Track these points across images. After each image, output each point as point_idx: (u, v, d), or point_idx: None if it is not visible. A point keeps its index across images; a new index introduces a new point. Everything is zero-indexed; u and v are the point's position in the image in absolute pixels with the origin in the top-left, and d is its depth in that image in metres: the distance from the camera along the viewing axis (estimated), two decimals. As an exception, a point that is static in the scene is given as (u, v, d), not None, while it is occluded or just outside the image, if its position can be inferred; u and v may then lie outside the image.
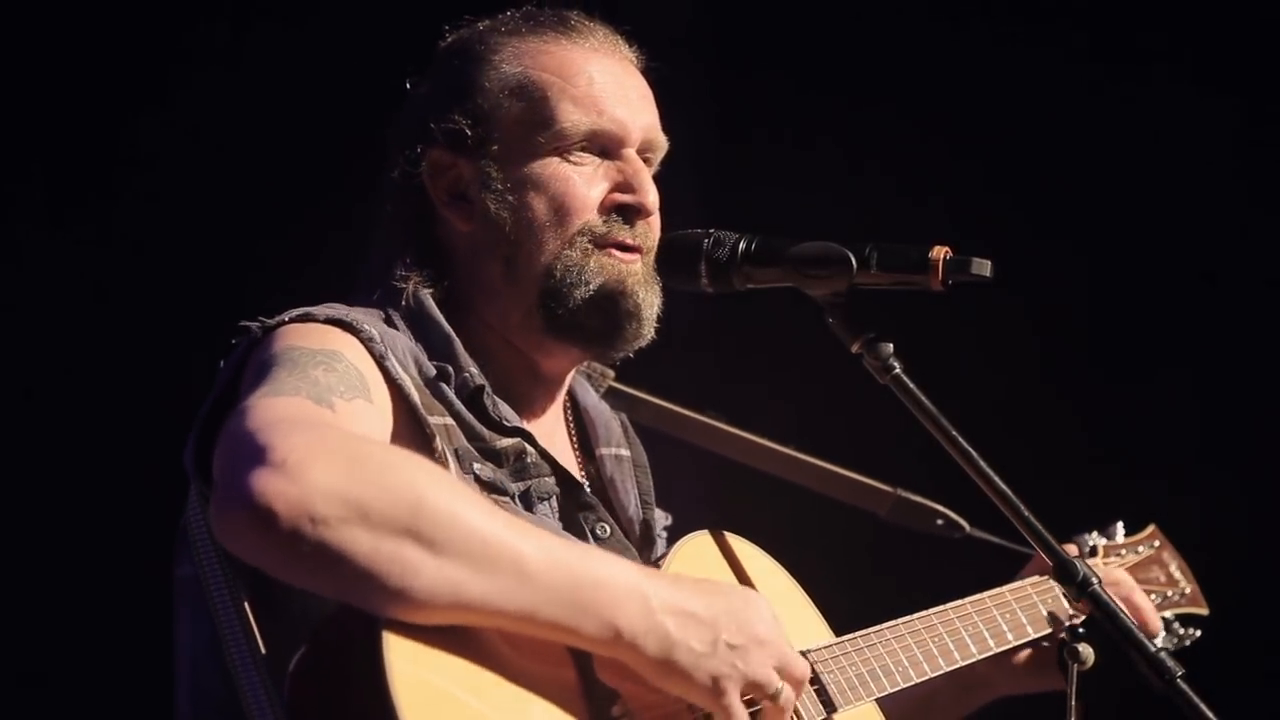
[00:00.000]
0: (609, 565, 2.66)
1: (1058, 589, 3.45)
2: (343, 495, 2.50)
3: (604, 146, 3.09)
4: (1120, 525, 3.82)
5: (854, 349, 3.01)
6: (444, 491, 2.57)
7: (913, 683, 3.15)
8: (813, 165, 5.09)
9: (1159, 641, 3.67)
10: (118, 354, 4.66)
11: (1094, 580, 2.91)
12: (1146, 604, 3.62)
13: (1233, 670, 3.99)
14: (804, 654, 2.90)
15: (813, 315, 3.06)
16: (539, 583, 2.58)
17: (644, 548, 3.14)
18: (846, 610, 3.15)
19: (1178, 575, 3.84)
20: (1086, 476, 5.03)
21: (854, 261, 3.01)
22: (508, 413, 3.02)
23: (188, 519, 2.83)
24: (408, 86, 3.18)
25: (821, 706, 2.98)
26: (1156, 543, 3.85)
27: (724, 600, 2.73)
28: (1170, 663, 2.84)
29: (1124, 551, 3.78)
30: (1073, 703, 2.98)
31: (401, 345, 2.93)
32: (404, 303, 3.03)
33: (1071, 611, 3.43)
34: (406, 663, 2.54)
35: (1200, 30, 5.14)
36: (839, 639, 3.11)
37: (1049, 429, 5.07)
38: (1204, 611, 3.83)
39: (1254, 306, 5.16)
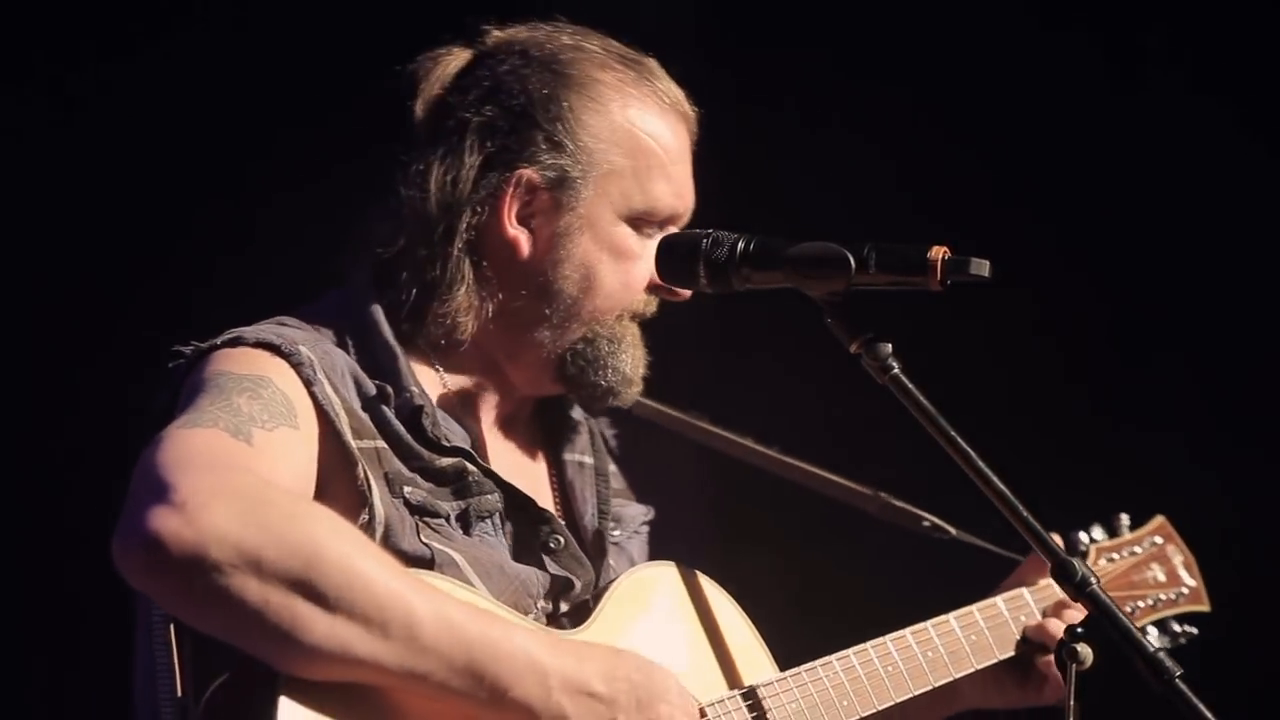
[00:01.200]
0: (511, 637, 2.65)
1: (1031, 603, 3.46)
2: (236, 542, 2.51)
3: (667, 223, 3.12)
4: (1125, 517, 3.79)
5: (853, 349, 3.01)
6: (343, 546, 2.57)
7: (858, 717, 3.14)
8: (813, 165, 5.09)
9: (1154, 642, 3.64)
10: (67, 365, 4.64)
11: (1093, 580, 2.91)
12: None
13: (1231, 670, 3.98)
14: (753, 689, 2.95)
15: (802, 313, 3.07)
16: (432, 648, 2.58)
17: (596, 558, 3.11)
18: (848, 614, 3.15)
19: (1181, 572, 3.81)
20: (1086, 476, 5.03)
21: (852, 262, 3.00)
22: (449, 431, 3.00)
23: None
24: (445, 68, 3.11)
25: None
26: (1159, 539, 3.82)
27: (625, 677, 2.74)
28: (1169, 663, 2.85)
29: (1121, 552, 3.75)
30: (1072, 702, 2.97)
31: (341, 364, 2.91)
32: (358, 316, 3.01)
33: (1040, 623, 3.43)
34: None
35: (1202, 32, 5.14)
36: (786, 673, 3.11)
37: (1049, 429, 5.07)
38: (1205, 609, 3.81)
39: (1255, 305, 5.16)
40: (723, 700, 3.03)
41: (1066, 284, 5.14)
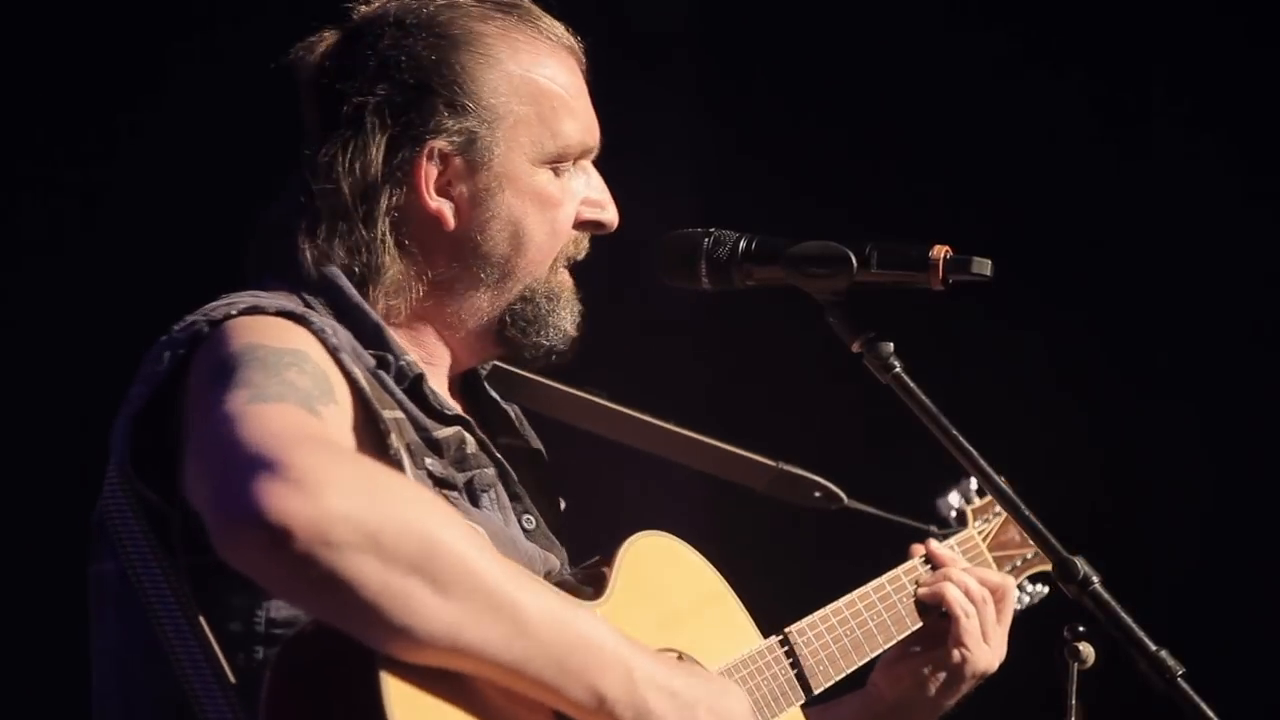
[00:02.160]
0: (597, 629, 2.62)
1: (909, 589, 3.41)
2: (360, 522, 2.44)
3: (580, 158, 3.08)
4: (974, 481, 3.69)
5: (854, 348, 3.01)
6: (454, 530, 2.52)
7: (832, 681, 3.18)
8: (812, 165, 5.09)
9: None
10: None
11: (1094, 580, 2.91)
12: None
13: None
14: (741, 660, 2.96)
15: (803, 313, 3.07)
16: (534, 637, 2.55)
17: (561, 537, 3.09)
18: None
19: (1020, 534, 3.77)
20: (1086, 476, 5.04)
21: (854, 260, 3.00)
22: (446, 400, 2.97)
23: (106, 511, 2.74)
24: (323, 53, 3.02)
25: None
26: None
27: (704, 685, 2.71)
28: (1171, 661, 2.84)
29: (988, 515, 3.67)
30: (1073, 702, 2.97)
31: (344, 334, 2.86)
32: (324, 289, 2.93)
33: (931, 588, 3.38)
34: (405, 711, 2.50)
35: (1196, 60, 5.16)
36: (764, 641, 3.13)
37: (1048, 429, 5.07)
38: (1048, 567, 3.73)
39: (1254, 307, 5.16)
40: (749, 657, 3.06)
41: (1067, 283, 5.15)
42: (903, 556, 3.48)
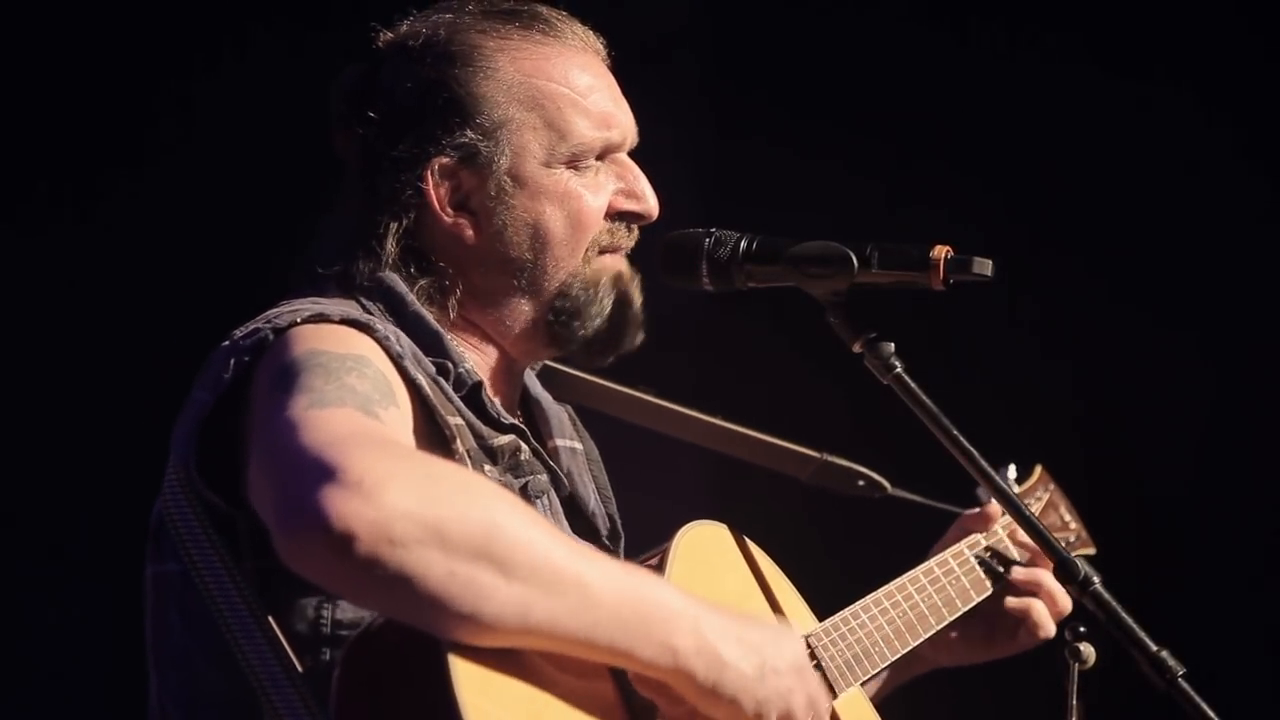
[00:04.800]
0: (660, 589, 2.64)
1: (972, 561, 3.44)
2: (420, 517, 2.47)
3: (605, 153, 3.09)
4: (1012, 469, 3.72)
5: (855, 348, 3.02)
6: (515, 514, 2.55)
7: (889, 661, 3.19)
8: (813, 164, 5.09)
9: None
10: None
11: (1095, 579, 2.91)
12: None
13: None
14: (804, 638, 2.93)
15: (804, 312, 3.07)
16: (602, 605, 2.57)
17: (614, 542, 3.13)
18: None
19: (1068, 517, 3.80)
20: (1086, 475, 5.03)
21: (855, 260, 3.01)
22: (502, 409, 2.99)
23: (167, 513, 2.77)
24: (352, 81, 3.08)
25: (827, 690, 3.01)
26: (1051, 485, 3.80)
27: (768, 633, 2.73)
28: (1172, 661, 2.85)
29: (1029, 500, 3.72)
30: (1073, 702, 2.98)
31: (405, 342, 2.89)
32: (384, 296, 2.97)
33: (1027, 572, 3.45)
34: (474, 693, 2.52)
35: (1198, 42, 5.15)
36: (825, 622, 3.14)
37: (1049, 428, 5.07)
38: (1092, 551, 3.79)
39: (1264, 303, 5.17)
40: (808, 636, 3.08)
41: (1067, 282, 5.15)
42: (931, 542, 3.53)
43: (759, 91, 5.17)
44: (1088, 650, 3.01)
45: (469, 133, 3.01)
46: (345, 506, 2.44)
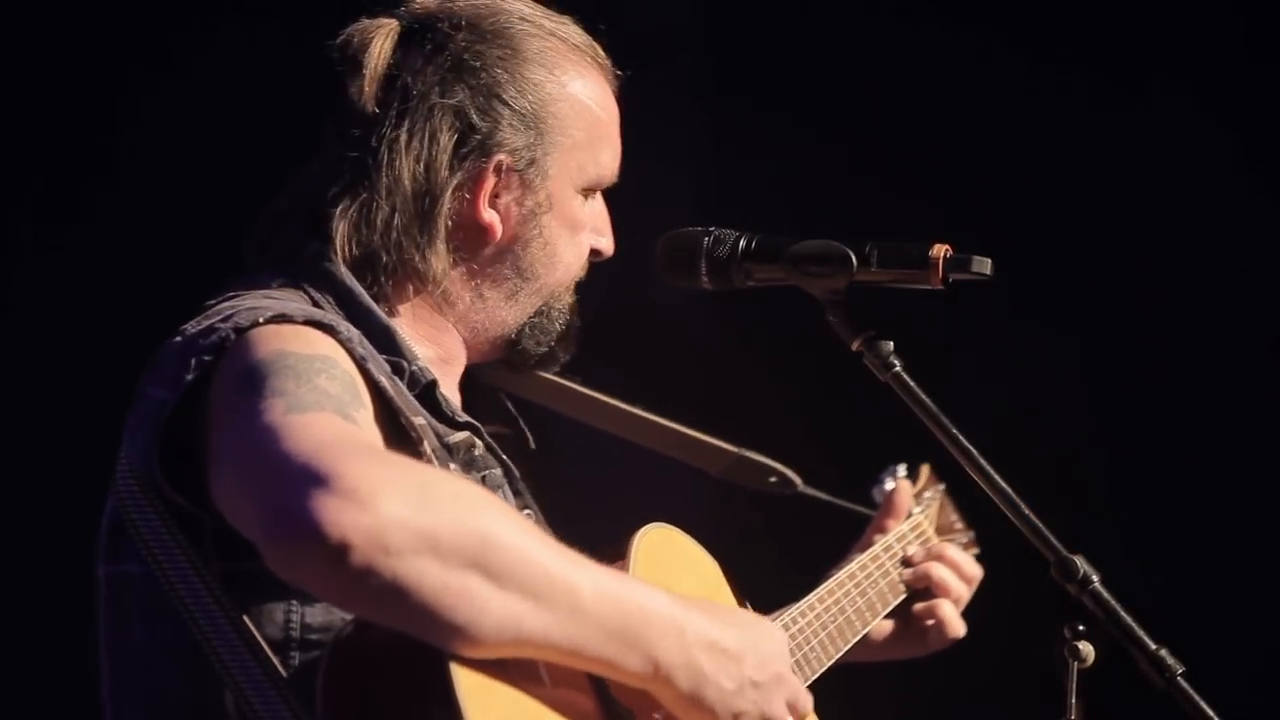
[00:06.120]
0: (649, 597, 2.64)
1: (888, 563, 3.55)
2: (416, 526, 2.44)
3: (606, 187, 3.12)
4: (902, 467, 3.79)
5: (854, 347, 3.02)
6: (508, 522, 2.53)
7: (825, 667, 3.24)
8: (813, 164, 5.09)
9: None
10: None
11: (1094, 578, 2.91)
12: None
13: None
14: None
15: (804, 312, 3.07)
16: (592, 616, 2.56)
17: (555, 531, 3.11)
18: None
19: (954, 517, 3.85)
20: (1085, 474, 5.04)
21: (854, 259, 3.01)
22: (456, 406, 2.97)
23: (125, 513, 2.71)
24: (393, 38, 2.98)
25: None
26: (940, 486, 3.83)
27: (750, 633, 2.74)
28: (1171, 660, 2.85)
29: (925, 500, 3.77)
30: (1073, 701, 2.97)
31: (366, 342, 2.83)
32: (332, 287, 2.91)
33: (922, 569, 3.57)
34: (479, 710, 2.52)
35: (1194, 45, 5.16)
36: (786, 611, 3.22)
37: (1049, 427, 5.07)
38: (978, 550, 3.82)
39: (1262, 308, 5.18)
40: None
41: (1068, 282, 5.16)
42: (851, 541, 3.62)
43: (758, 90, 5.18)
44: (1087, 649, 3.01)
45: (533, 137, 2.98)
46: (341, 515, 2.41)
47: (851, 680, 3.37)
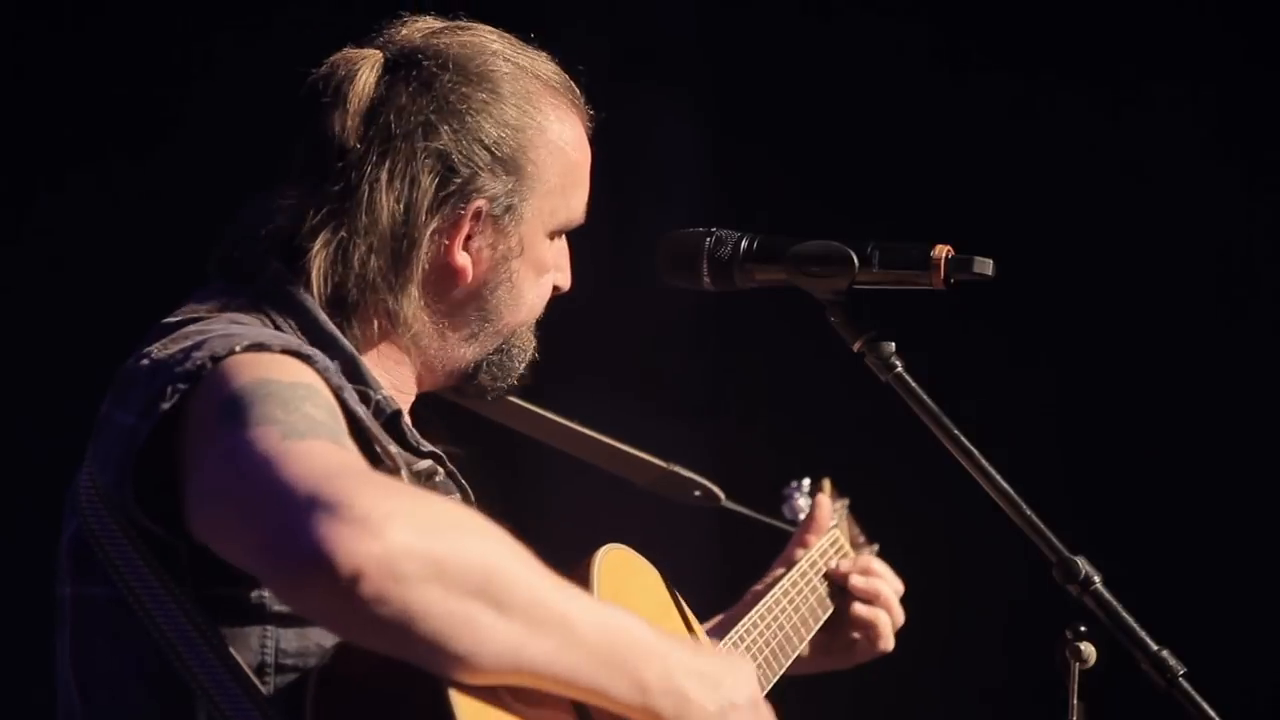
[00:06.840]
0: (633, 624, 2.64)
1: (814, 578, 3.57)
2: (424, 554, 2.43)
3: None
4: (806, 481, 3.82)
5: (856, 347, 3.02)
6: (509, 551, 2.53)
7: (769, 685, 3.26)
8: (813, 164, 5.10)
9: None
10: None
11: (1095, 579, 2.91)
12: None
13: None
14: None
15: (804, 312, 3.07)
16: (585, 644, 2.56)
17: None
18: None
19: (856, 529, 3.87)
20: (1086, 474, 5.04)
21: (856, 260, 3.01)
22: (419, 436, 2.94)
23: (92, 536, 2.67)
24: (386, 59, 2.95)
25: None
26: (845, 499, 3.85)
27: (723, 660, 2.74)
28: (1173, 661, 2.85)
29: (837, 515, 3.78)
30: (1074, 702, 2.97)
31: (334, 368, 2.78)
32: (294, 312, 2.88)
33: (822, 601, 3.58)
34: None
35: (1193, 45, 5.17)
36: (722, 644, 3.22)
37: (1050, 427, 5.08)
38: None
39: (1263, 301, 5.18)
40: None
41: (1068, 281, 5.16)
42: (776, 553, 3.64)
43: (759, 93, 5.18)
44: (1088, 650, 3.01)
45: (514, 185, 2.96)
46: (353, 544, 2.39)
47: (852, 680, 3.38)
